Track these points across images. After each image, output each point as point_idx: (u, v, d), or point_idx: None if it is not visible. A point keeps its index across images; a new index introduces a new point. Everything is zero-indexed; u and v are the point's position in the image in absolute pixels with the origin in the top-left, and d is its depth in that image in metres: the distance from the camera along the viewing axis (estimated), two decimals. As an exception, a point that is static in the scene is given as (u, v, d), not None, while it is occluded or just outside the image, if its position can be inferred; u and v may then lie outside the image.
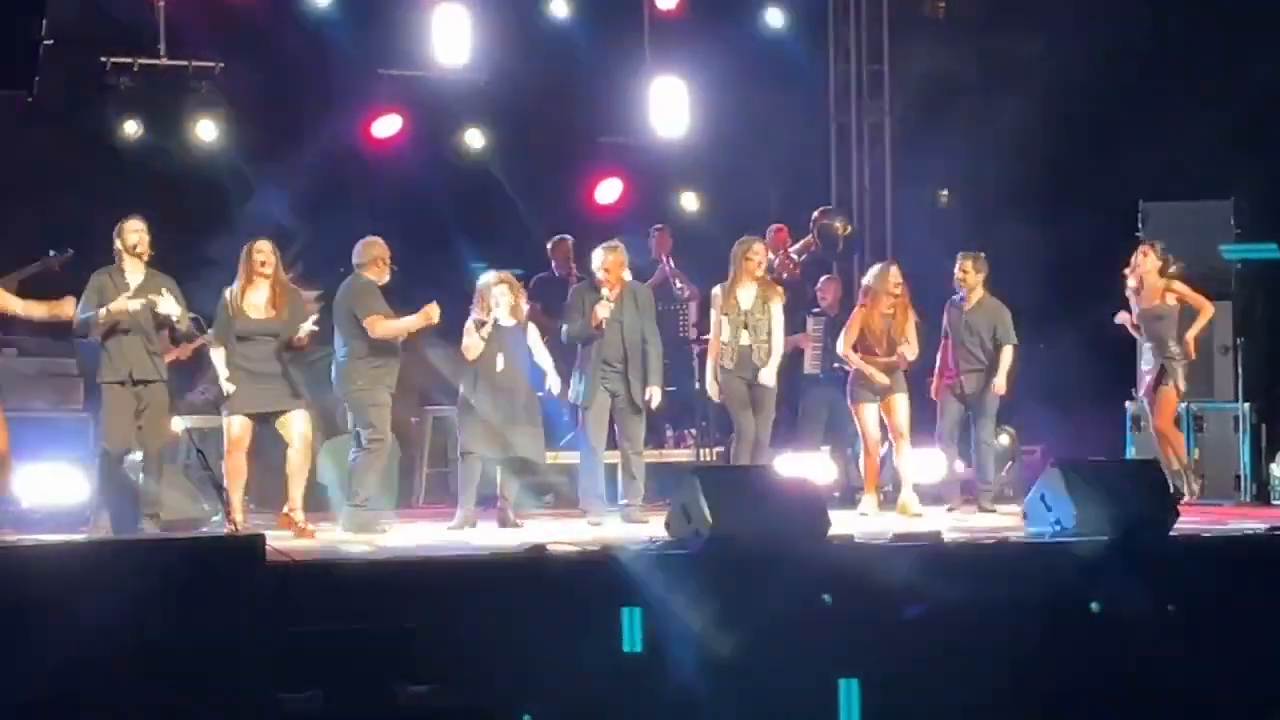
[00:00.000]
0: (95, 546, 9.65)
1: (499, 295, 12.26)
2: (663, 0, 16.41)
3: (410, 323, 12.13)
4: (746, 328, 12.97)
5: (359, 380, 12.13)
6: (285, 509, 11.83)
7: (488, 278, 12.42)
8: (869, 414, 13.31)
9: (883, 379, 13.17)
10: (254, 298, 11.85)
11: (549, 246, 15.44)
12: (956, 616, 9.41)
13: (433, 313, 12.05)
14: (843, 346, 13.30)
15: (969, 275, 13.58)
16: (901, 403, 13.30)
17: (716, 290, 13.16)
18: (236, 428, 11.78)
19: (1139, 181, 15.10)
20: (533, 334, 12.56)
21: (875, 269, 13.59)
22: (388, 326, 12.06)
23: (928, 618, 9.44)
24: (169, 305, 11.42)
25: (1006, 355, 13.46)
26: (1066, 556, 10.24)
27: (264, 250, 11.82)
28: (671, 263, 15.34)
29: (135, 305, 11.35)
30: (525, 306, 12.60)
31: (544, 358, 12.58)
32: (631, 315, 12.70)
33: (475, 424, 12.25)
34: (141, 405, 11.42)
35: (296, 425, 11.83)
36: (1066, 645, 9.59)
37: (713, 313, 13.19)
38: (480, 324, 12.17)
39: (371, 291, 12.18)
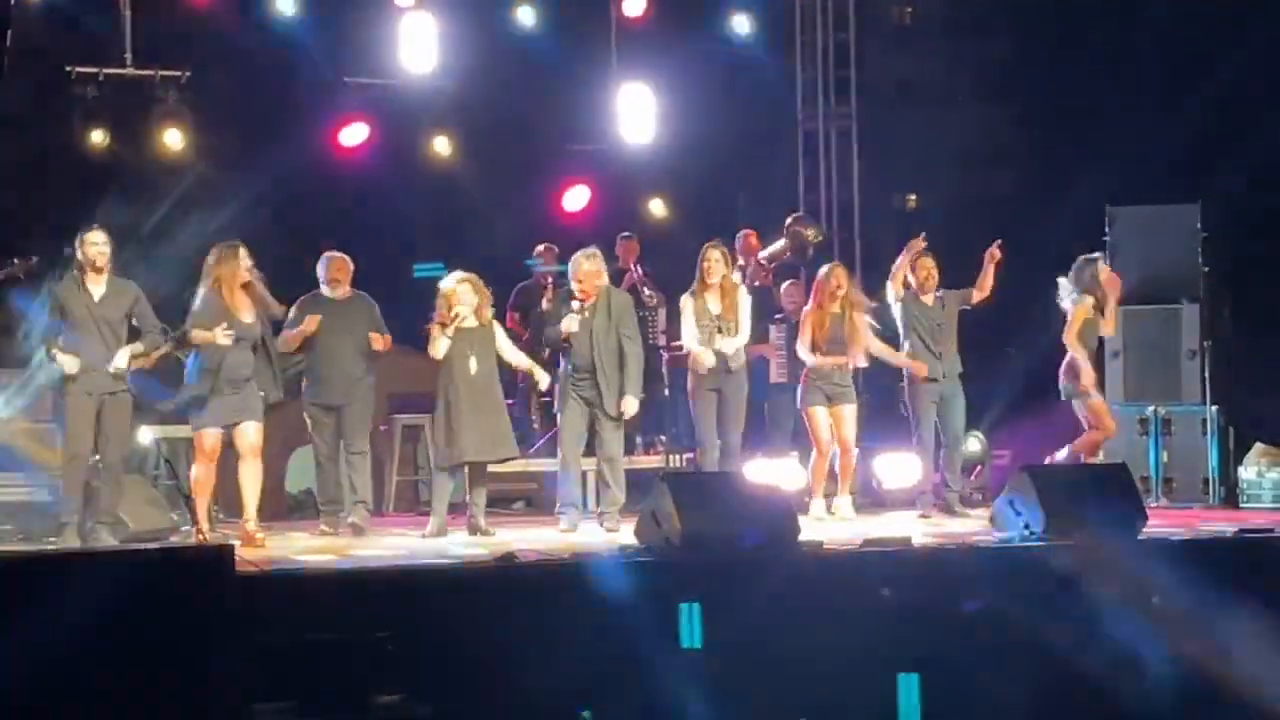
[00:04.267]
0: (62, 557, 9.61)
1: (463, 295, 12.15)
2: (629, 7, 16.41)
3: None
4: (721, 333, 12.82)
5: None
6: (243, 520, 11.72)
7: (450, 279, 12.27)
8: (819, 417, 13.08)
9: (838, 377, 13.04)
10: (236, 301, 11.69)
11: (534, 255, 15.36)
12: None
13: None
14: (801, 349, 13.16)
15: (933, 276, 13.53)
16: (850, 413, 13.17)
17: (685, 298, 13.03)
18: (210, 440, 11.64)
19: (1106, 185, 15.13)
20: (500, 336, 12.48)
21: (822, 270, 13.43)
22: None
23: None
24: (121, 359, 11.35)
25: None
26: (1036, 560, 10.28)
27: (233, 258, 11.70)
28: (640, 270, 15.30)
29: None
30: (490, 309, 12.46)
31: (518, 357, 12.53)
32: (603, 323, 12.38)
33: (462, 432, 12.11)
34: (102, 412, 11.29)
35: (250, 436, 11.71)
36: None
37: (684, 322, 12.98)
38: (443, 325, 12.07)
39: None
